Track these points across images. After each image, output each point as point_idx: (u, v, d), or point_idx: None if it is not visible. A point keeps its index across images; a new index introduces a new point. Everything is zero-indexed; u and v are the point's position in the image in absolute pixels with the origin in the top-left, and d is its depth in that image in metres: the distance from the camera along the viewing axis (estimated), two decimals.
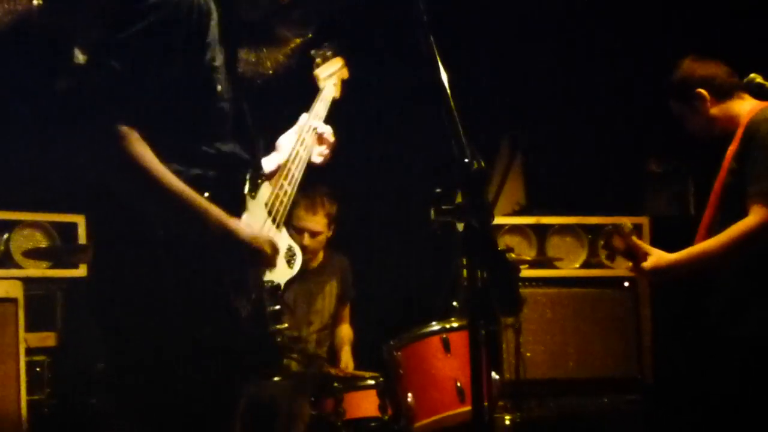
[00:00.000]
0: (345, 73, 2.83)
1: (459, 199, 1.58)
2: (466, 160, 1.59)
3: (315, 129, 2.51)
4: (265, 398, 3.81)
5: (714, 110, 3.09)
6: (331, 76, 2.76)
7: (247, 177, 2.04)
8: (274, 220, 2.17)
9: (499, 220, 4.87)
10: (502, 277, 1.51)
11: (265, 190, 2.15)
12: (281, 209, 2.21)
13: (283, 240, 2.20)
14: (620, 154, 5.11)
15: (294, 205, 4.18)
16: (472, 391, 1.52)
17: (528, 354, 4.55)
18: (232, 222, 1.91)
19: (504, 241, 4.71)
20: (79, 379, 4.15)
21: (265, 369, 2.01)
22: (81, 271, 4.37)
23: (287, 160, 2.39)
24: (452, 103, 1.67)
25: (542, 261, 4.73)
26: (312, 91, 2.76)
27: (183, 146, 1.89)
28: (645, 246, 3.03)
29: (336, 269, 4.37)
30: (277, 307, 2.04)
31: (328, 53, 2.85)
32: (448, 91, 1.68)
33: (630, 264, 3.04)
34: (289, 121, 2.61)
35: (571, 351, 4.66)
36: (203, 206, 1.85)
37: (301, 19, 4.88)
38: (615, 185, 5.16)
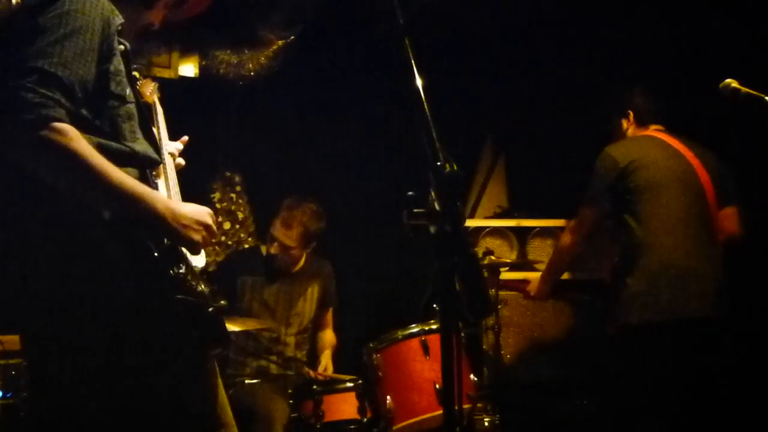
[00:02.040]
0: (157, 91, 2.85)
1: (432, 202, 1.59)
2: (439, 164, 1.59)
3: (170, 153, 2.54)
4: (243, 400, 3.81)
5: (630, 131, 3.78)
6: (153, 91, 2.79)
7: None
8: None
9: (480, 222, 4.90)
10: (473, 280, 1.52)
11: (162, 188, 2.25)
12: None
13: None
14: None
15: (276, 213, 4.22)
16: (444, 392, 1.54)
17: (508, 356, 4.57)
18: (175, 202, 2.04)
19: (485, 243, 4.72)
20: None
21: (216, 344, 2.08)
22: None
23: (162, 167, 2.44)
24: (426, 108, 1.67)
25: (523, 263, 4.74)
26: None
27: (103, 144, 1.95)
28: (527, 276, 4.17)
29: (318, 273, 4.38)
30: (213, 287, 2.12)
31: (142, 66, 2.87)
32: (423, 95, 1.69)
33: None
34: None
35: (551, 353, 4.67)
36: (148, 191, 1.96)
37: (283, 22, 4.89)
38: None
